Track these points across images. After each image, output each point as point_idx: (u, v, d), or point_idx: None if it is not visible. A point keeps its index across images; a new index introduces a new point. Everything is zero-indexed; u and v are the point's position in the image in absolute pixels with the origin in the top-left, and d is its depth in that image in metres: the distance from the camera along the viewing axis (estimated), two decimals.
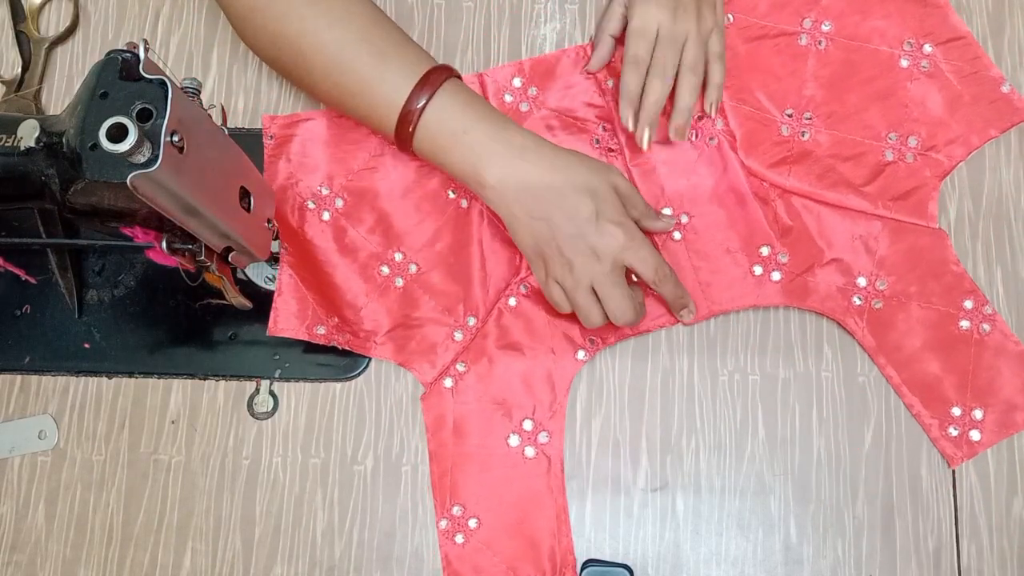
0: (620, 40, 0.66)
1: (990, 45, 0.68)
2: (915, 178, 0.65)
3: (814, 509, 0.62)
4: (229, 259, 0.56)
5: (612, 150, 0.66)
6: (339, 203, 0.66)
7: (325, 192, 0.66)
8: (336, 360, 0.64)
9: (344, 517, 0.62)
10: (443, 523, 0.61)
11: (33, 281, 0.66)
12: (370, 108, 0.60)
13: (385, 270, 0.65)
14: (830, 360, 0.64)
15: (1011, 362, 0.62)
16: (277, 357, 0.65)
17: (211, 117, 0.51)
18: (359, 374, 0.64)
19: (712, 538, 0.61)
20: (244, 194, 0.56)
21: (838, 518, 0.61)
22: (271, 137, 0.67)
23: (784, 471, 0.62)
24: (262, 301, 0.64)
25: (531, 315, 0.64)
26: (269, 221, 0.61)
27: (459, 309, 0.64)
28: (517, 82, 0.68)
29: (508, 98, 0.67)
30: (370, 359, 0.64)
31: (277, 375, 0.64)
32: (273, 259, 0.62)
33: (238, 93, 0.69)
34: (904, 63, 0.67)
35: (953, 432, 0.62)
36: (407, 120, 0.59)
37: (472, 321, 0.64)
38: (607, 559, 0.61)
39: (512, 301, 0.64)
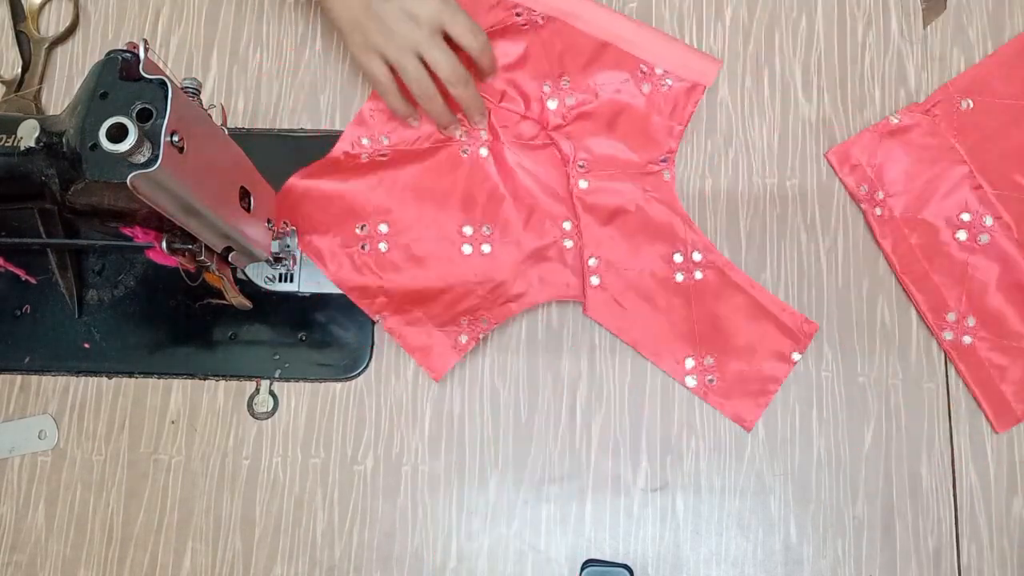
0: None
1: (990, 45, 0.68)
2: None
3: (814, 509, 0.61)
4: (229, 259, 0.56)
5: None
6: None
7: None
8: (336, 360, 0.64)
9: (344, 517, 0.62)
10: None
11: (33, 281, 0.66)
12: None
13: (467, 248, 0.65)
14: (830, 360, 0.64)
15: None
16: (277, 357, 0.65)
17: (211, 117, 0.52)
18: (359, 374, 0.64)
19: (712, 538, 0.61)
20: (244, 194, 0.56)
21: (838, 518, 0.61)
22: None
23: (784, 471, 0.62)
24: (262, 301, 0.64)
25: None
26: (269, 221, 0.61)
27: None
28: None
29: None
30: (370, 359, 0.64)
31: (277, 375, 0.64)
32: (274, 259, 0.62)
33: (238, 93, 0.69)
34: None
35: None
36: None
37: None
38: (607, 559, 0.61)
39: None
